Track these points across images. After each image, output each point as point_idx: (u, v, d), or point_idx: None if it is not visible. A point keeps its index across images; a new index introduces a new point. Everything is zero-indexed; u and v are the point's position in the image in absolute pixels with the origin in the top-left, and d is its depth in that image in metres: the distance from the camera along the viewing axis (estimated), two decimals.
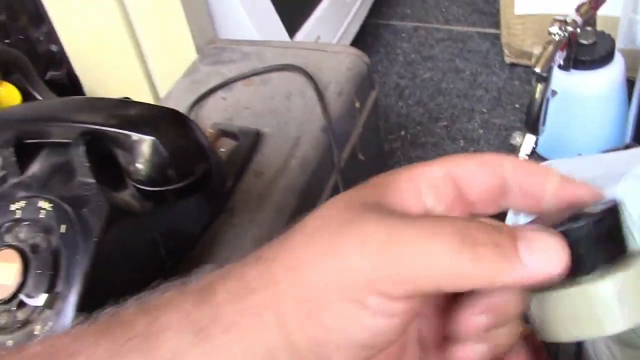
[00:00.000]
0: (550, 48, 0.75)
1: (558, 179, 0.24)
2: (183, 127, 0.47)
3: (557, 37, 0.75)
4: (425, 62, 1.14)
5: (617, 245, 0.22)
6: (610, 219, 0.22)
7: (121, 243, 0.46)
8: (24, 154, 0.49)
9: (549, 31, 0.76)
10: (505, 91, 1.03)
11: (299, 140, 0.64)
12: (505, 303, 0.23)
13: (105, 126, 0.45)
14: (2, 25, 0.80)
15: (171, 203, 0.49)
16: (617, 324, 0.21)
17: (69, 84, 0.85)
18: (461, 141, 0.96)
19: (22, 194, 0.47)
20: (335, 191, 0.65)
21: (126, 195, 0.47)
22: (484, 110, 1.01)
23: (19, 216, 0.46)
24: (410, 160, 0.94)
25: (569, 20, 0.76)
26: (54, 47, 0.84)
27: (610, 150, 0.69)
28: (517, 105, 1.00)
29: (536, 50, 1.04)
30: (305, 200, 0.61)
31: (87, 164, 0.46)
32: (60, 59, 0.85)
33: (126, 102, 0.48)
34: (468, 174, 0.24)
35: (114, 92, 0.83)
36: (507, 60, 1.08)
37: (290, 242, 0.23)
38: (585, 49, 0.81)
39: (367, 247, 0.22)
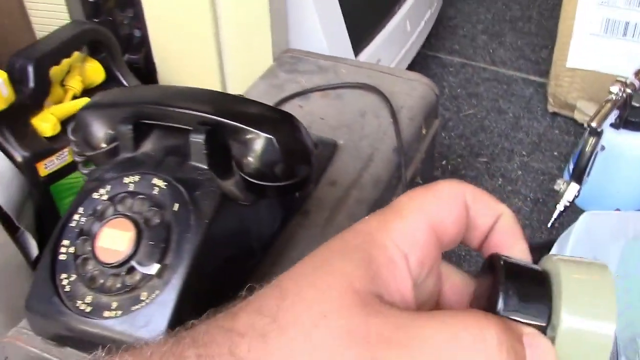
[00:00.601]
0: (608, 105, 0.80)
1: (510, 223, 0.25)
2: (297, 131, 0.51)
3: (615, 97, 0.80)
4: (470, 98, 1.19)
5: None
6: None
7: (227, 228, 0.50)
8: (139, 133, 0.53)
9: (609, 90, 0.81)
10: (545, 138, 1.08)
11: (372, 157, 0.68)
12: None
13: (228, 119, 0.49)
14: (94, 4, 0.84)
15: (269, 198, 0.53)
16: None
17: (145, 69, 0.89)
18: (500, 179, 1.00)
19: (135, 169, 0.51)
20: None
21: (232, 184, 0.51)
22: (524, 152, 1.05)
23: (132, 189, 0.50)
24: None
25: (628, 82, 0.81)
26: (137, 32, 0.88)
27: None
28: (555, 153, 1.05)
29: (579, 104, 1.09)
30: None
31: (205, 151, 0.49)
32: (139, 44, 0.89)
33: (246, 99, 0.52)
34: (443, 214, 0.25)
35: (187, 82, 0.87)
36: (550, 108, 1.13)
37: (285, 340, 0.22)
38: (636, 112, 0.85)
39: None
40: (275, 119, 0.51)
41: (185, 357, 0.22)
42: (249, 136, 0.50)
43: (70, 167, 0.73)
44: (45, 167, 0.70)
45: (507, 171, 1.02)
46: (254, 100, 0.53)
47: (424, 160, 0.77)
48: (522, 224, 0.92)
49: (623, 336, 0.55)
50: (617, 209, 0.83)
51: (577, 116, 1.09)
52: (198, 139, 0.50)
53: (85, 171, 0.62)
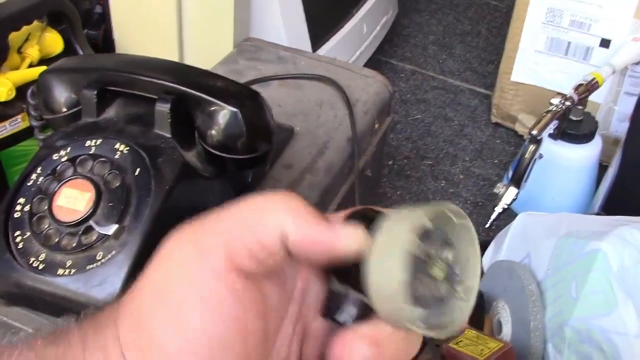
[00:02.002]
0: (549, 116, 0.85)
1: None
2: (261, 107, 0.53)
3: (555, 108, 0.85)
4: (418, 104, 1.23)
5: None
6: None
7: (185, 197, 0.51)
8: (102, 99, 0.54)
9: (550, 102, 0.86)
10: (487, 146, 1.13)
11: (326, 145, 0.70)
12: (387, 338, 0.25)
13: (195, 90, 0.51)
14: None
15: (229, 172, 0.55)
16: None
17: (102, 46, 0.89)
18: (443, 181, 1.04)
19: (97, 134, 0.52)
20: (348, 198, 0.71)
21: (193, 155, 0.52)
22: (467, 158, 1.10)
23: (93, 152, 0.51)
24: (395, 188, 1.02)
25: (567, 95, 0.86)
26: (98, 8, 0.87)
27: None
28: (495, 161, 1.10)
29: (521, 117, 1.14)
30: (326, 198, 0.67)
31: (169, 120, 0.51)
32: (99, 20, 0.88)
33: (213, 73, 0.54)
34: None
35: None
36: (493, 119, 1.18)
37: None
38: (573, 124, 0.91)
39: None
40: (242, 94, 0.52)
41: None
42: (214, 108, 0.51)
43: (23, 134, 0.72)
44: None
45: (450, 174, 1.06)
46: (220, 75, 0.54)
47: (375, 154, 0.80)
48: None
49: (551, 325, 0.59)
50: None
51: (518, 128, 1.15)
52: (163, 107, 0.51)
53: (41, 137, 0.62)
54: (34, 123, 0.61)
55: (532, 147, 0.85)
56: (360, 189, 0.72)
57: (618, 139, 0.97)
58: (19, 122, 0.71)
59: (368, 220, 0.26)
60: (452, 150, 1.11)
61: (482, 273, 0.75)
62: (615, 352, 0.55)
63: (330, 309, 0.27)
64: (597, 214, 0.83)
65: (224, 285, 0.24)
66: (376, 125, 0.79)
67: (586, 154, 0.91)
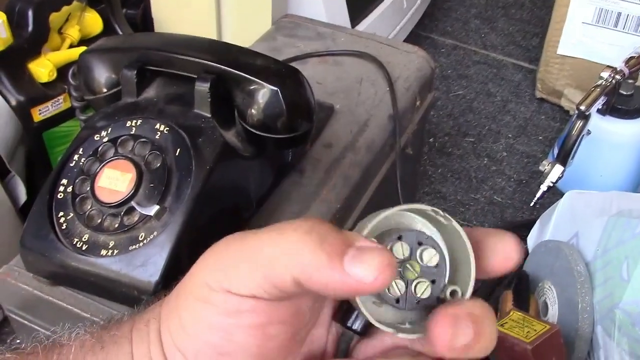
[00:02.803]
0: (597, 90, 0.81)
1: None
2: (302, 85, 0.52)
3: (604, 82, 0.82)
4: (460, 79, 1.20)
5: None
6: None
7: (226, 177, 0.50)
8: (142, 79, 0.53)
9: (599, 75, 0.82)
10: (531, 122, 1.10)
11: (367, 122, 0.69)
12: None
13: (235, 69, 0.50)
14: None
15: (268, 151, 0.54)
16: None
17: (141, 25, 0.89)
18: (485, 159, 1.02)
19: (137, 114, 0.52)
20: (388, 176, 0.70)
21: (233, 135, 0.52)
22: (510, 135, 1.07)
23: (134, 132, 0.50)
24: (436, 166, 1.00)
25: (618, 69, 0.83)
26: None
27: None
28: (540, 138, 1.07)
29: (567, 91, 1.11)
30: (367, 177, 0.66)
31: (209, 100, 0.50)
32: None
33: (253, 51, 0.53)
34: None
35: None
36: (538, 94, 1.15)
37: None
38: (623, 99, 0.87)
39: (215, 253, 0.27)
40: (281, 72, 0.52)
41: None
42: (253, 87, 0.50)
43: (65, 115, 0.72)
44: (40, 113, 0.70)
45: (492, 152, 1.03)
46: (260, 53, 0.53)
47: (416, 132, 0.78)
48: (505, 202, 0.94)
49: (600, 307, 0.57)
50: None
51: (564, 103, 1.11)
52: (203, 86, 0.50)
53: (82, 117, 0.62)
54: (75, 104, 0.61)
55: (579, 123, 0.82)
56: (401, 167, 0.71)
57: None
58: (60, 103, 0.71)
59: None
60: (494, 126, 1.09)
61: (527, 256, 0.73)
62: None
63: (343, 315, 0.28)
64: None
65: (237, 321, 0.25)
66: (417, 102, 0.77)
67: (637, 130, 0.88)
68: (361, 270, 0.23)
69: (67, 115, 0.73)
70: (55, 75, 0.72)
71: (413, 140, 0.78)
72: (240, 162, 0.52)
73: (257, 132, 0.51)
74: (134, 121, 0.51)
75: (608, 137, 0.88)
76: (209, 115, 0.50)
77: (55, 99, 0.71)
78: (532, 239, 0.75)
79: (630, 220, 0.58)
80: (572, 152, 0.85)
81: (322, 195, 0.59)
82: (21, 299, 0.52)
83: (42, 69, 0.71)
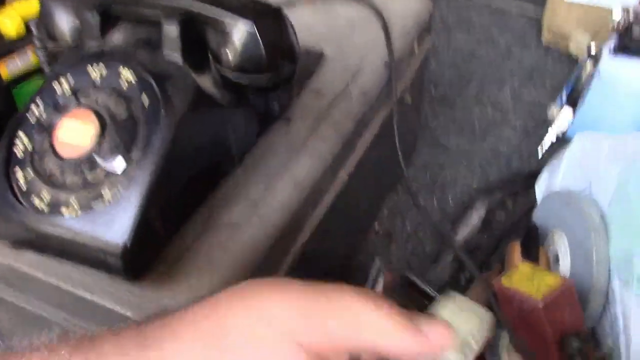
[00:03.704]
0: (609, 30, 0.76)
1: None
2: (282, 23, 0.46)
3: (616, 23, 0.76)
4: (461, 26, 1.14)
5: None
6: None
7: (201, 127, 0.46)
8: (106, 23, 0.48)
9: (610, 16, 0.77)
10: (537, 69, 1.04)
11: (360, 70, 0.63)
12: None
13: (207, 2, 0.45)
14: None
15: (250, 98, 0.49)
16: None
17: None
18: (489, 108, 0.97)
19: (100, 59, 0.47)
20: (385, 127, 0.65)
21: (208, 80, 0.47)
22: (515, 83, 1.01)
23: (96, 80, 0.46)
24: (437, 116, 0.95)
25: (631, 9, 0.77)
26: None
27: None
28: (547, 85, 1.01)
29: (575, 36, 1.05)
30: (361, 127, 0.61)
31: (179, 42, 0.45)
32: None
33: None
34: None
35: None
36: (544, 40, 1.09)
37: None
38: (636, 40, 0.81)
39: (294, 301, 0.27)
40: (258, 8, 0.46)
41: None
42: (227, 25, 0.45)
43: (35, 71, 0.67)
44: (7, 68, 0.65)
45: (497, 100, 0.98)
46: None
47: (415, 79, 0.73)
48: (511, 152, 0.89)
49: (617, 258, 0.53)
50: None
51: (572, 48, 1.05)
52: (172, 27, 0.45)
53: (48, 72, 0.57)
54: (41, 57, 0.56)
55: (589, 65, 0.77)
56: (399, 117, 0.66)
57: None
58: (29, 57, 0.66)
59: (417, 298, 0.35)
60: (499, 74, 1.03)
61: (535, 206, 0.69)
62: None
63: None
64: None
65: None
66: (416, 48, 0.71)
67: None
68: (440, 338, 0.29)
69: (38, 70, 0.67)
70: (23, 30, 0.66)
71: (412, 89, 0.73)
72: (216, 111, 0.47)
73: (234, 77, 0.46)
74: (97, 68, 0.46)
75: (620, 78, 0.82)
76: (180, 60, 0.45)
77: (24, 52, 0.65)
78: (540, 187, 0.70)
79: None
80: (582, 97, 0.80)
81: (311, 146, 0.55)
82: None
83: (9, 20, 0.65)
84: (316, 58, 0.63)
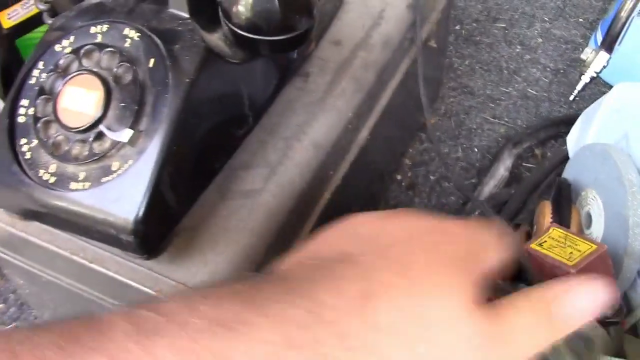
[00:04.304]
0: None
1: None
2: None
3: None
4: None
5: None
6: None
7: (212, 89, 0.43)
8: None
9: None
10: (570, 2, 0.98)
11: (382, 14, 0.59)
12: None
13: None
14: None
15: (262, 55, 0.46)
16: None
17: None
18: (518, 47, 0.92)
19: (103, 17, 0.43)
20: (409, 75, 0.61)
21: (218, 38, 0.43)
22: (546, 18, 0.96)
23: (99, 41, 0.42)
24: (463, 57, 0.90)
25: None
26: None
27: None
28: (581, 20, 0.95)
29: None
30: (383, 78, 0.57)
31: None
32: None
33: None
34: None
35: None
36: None
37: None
38: None
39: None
40: None
41: None
42: None
43: (38, 20, 0.64)
44: (9, 17, 0.62)
45: (526, 38, 0.92)
46: None
47: (440, 20, 0.68)
48: (540, 96, 0.85)
49: None
50: None
51: None
52: None
53: (50, 22, 0.54)
54: (40, 6, 0.53)
55: (629, 2, 0.71)
56: (424, 64, 0.62)
57: None
58: (31, 5, 0.63)
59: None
60: (528, 9, 0.97)
61: (566, 159, 0.65)
62: None
63: None
64: None
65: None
66: None
67: None
68: None
69: (40, 19, 0.64)
70: None
71: (437, 31, 0.69)
72: (228, 71, 0.44)
73: (247, 34, 0.42)
74: (100, 26, 0.43)
75: None
76: (187, 16, 0.42)
77: (25, 0, 0.62)
78: (572, 140, 0.67)
79: None
80: (620, 37, 0.74)
81: (330, 104, 0.51)
82: None
83: None
84: (335, 2, 0.59)
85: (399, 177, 0.73)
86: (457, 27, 0.95)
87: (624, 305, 0.52)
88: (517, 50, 0.91)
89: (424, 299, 0.22)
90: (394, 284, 0.22)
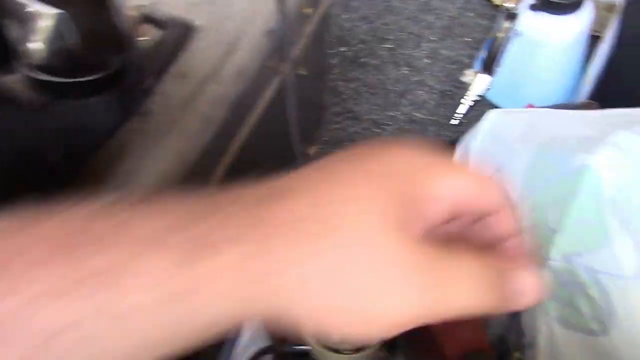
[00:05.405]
0: None
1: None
2: (102, 4, 0.37)
3: None
4: None
5: None
6: None
7: (9, 139, 0.36)
8: None
9: None
10: (457, 22, 0.96)
11: (237, 42, 0.54)
12: None
13: None
14: None
15: (72, 99, 0.40)
16: None
17: None
18: (405, 68, 0.89)
19: None
20: (274, 107, 0.56)
21: (15, 82, 0.37)
22: (433, 38, 0.93)
23: None
24: (348, 80, 0.86)
25: None
26: None
27: (564, 105, 0.65)
28: (468, 39, 0.94)
29: None
30: (239, 113, 0.52)
31: None
32: None
33: None
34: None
35: None
36: None
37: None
38: None
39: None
40: None
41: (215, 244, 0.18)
42: (32, 12, 0.35)
43: None
44: None
45: (413, 59, 0.90)
46: None
47: (311, 46, 0.64)
48: (426, 120, 0.82)
49: None
50: (530, 105, 0.74)
51: None
52: None
53: None
54: None
55: (506, 24, 0.69)
56: (294, 94, 0.57)
57: (613, 4, 0.80)
58: None
59: None
60: (416, 29, 0.95)
61: None
62: (604, 298, 0.43)
63: None
64: (587, 104, 0.68)
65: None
66: (306, 10, 0.62)
67: (573, 26, 0.75)
68: None
69: None
70: None
71: (307, 58, 0.64)
72: (24, 115, 0.37)
73: (45, 77, 0.36)
74: None
75: (541, 36, 0.75)
76: None
77: None
78: None
79: (561, 153, 0.46)
80: (499, 58, 0.72)
81: (172, 147, 0.46)
82: None
83: None
84: (183, 30, 0.53)
85: None
86: (343, 49, 0.91)
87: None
88: (404, 71, 0.89)
89: (340, 204, 0.19)
90: (318, 187, 0.20)
